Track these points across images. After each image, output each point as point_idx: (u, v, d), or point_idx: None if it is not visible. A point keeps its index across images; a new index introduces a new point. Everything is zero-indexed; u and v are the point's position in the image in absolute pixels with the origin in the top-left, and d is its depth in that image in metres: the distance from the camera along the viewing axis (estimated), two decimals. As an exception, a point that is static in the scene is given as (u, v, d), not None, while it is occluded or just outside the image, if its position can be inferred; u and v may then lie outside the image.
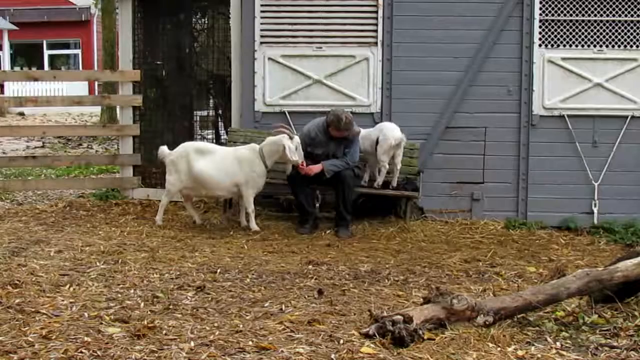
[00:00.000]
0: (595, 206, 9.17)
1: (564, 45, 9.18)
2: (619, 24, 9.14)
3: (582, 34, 9.16)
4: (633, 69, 9.16)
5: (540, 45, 9.16)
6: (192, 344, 4.54)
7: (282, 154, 8.24)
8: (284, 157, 8.27)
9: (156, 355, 4.37)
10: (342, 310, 5.38)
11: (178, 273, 6.37)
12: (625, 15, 9.13)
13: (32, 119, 23.48)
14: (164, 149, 8.63)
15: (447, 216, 9.17)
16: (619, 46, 9.16)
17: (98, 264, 6.60)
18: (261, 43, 9.33)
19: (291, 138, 8.21)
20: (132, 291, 5.77)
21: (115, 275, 6.22)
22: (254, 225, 8.37)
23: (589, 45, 9.17)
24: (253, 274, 6.44)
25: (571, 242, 8.48)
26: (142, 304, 5.41)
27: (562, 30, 9.17)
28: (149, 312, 5.21)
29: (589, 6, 9.12)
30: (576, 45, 9.18)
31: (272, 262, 6.96)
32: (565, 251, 8.02)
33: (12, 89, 28.37)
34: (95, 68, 32.70)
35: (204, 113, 11.00)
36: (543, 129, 9.21)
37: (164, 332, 4.75)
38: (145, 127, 10.26)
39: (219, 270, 6.50)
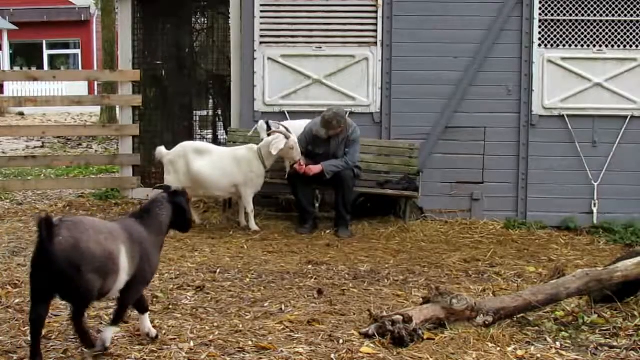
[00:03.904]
0: (594, 206, 9.17)
1: (564, 45, 9.19)
2: (619, 24, 9.14)
3: (582, 34, 9.16)
4: (633, 69, 9.16)
5: (540, 45, 9.16)
6: (192, 343, 4.55)
7: (282, 152, 8.24)
8: (284, 155, 8.26)
9: (156, 355, 4.37)
10: (341, 310, 5.38)
11: (178, 273, 6.37)
12: (625, 15, 9.13)
13: (31, 119, 23.45)
14: (161, 149, 8.61)
15: (447, 216, 9.17)
16: (619, 46, 9.16)
17: (98, 263, 6.59)
18: (261, 43, 9.33)
19: (287, 138, 8.19)
20: (131, 291, 5.76)
21: (115, 275, 6.21)
22: (253, 225, 8.37)
23: (588, 45, 9.17)
24: (253, 274, 6.44)
25: (571, 242, 8.48)
26: (141, 304, 5.40)
27: (561, 30, 9.17)
28: (148, 312, 5.20)
29: (589, 6, 9.12)
30: (576, 45, 9.18)
31: (271, 262, 6.96)
32: (564, 251, 8.02)
33: (12, 88, 28.36)
34: (95, 68, 32.67)
35: (204, 113, 11.00)
36: (543, 128, 9.21)
37: (164, 332, 4.76)
38: (144, 127, 10.27)
39: (218, 270, 6.50)
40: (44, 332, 4.67)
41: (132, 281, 4.29)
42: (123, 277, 4.21)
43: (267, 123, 8.63)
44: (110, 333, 4.39)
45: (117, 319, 4.44)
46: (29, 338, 4.59)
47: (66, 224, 4.02)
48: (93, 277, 3.99)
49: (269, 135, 8.36)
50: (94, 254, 3.99)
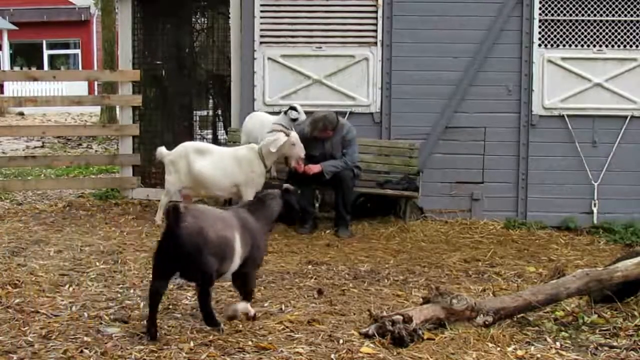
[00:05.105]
0: (594, 206, 9.17)
1: (564, 45, 9.19)
2: (619, 24, 9.14)
3: (582, 34, 9.16)
4: (633, 69, 9.16)
5: (540, 45, 9.16)
6: (192, 344, 4.55)
7: (282, 151, 8.24)
8: (286, 152, 8.25)
9: (156, 355, 4.37)
10: (341, 310, 5.38)
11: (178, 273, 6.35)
12: (625, 15, 9.13)
13: (31, 119, 23.45)
14: (162, 149, 8.59)
15: (447, 216, 9.17)
16: (619, 46, 9.16)
17: (98, 264, 6.61)
18: (261, 43, 9.33)
19: (287, 135, 8.19)
20: (131, 291, 5.77)
21: (115, 275, 6.22)
22: (253, 225, 8.36)
23: (588, 45, 9.17)
24: (253, 274, 6.43)
25: (571, 242, 8.48)
26: (142, 304, 5.40)
27: (561, 30, 9.17)
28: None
29: (589, 6, 9.12)
30: (576, 45, 9.18)
31: (272, 262, 6.96)
32: (564, 251, 8.03)
33: (12, 88, 28.36)
34: (95, 68, 32.67)
35: (204, 113, 11.00)
36: (543, 128, 9.21)
37: (164, 332, 4.76)
38: (144, 127, 10.27)
39: (218, 270, 6.49)
40: (43, 332, 4.70)
41: (246, 264, 4.89)
42: (237, 261, 4.79)
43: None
44: (247, 305, 5.00)
45: (249, 295, 5.05)
46: (29, 338, 4.61)
47: (191, 212, 4.57)
48: (212, 260, 4.57)
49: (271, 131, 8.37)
50: (213, 240, 4.56)
